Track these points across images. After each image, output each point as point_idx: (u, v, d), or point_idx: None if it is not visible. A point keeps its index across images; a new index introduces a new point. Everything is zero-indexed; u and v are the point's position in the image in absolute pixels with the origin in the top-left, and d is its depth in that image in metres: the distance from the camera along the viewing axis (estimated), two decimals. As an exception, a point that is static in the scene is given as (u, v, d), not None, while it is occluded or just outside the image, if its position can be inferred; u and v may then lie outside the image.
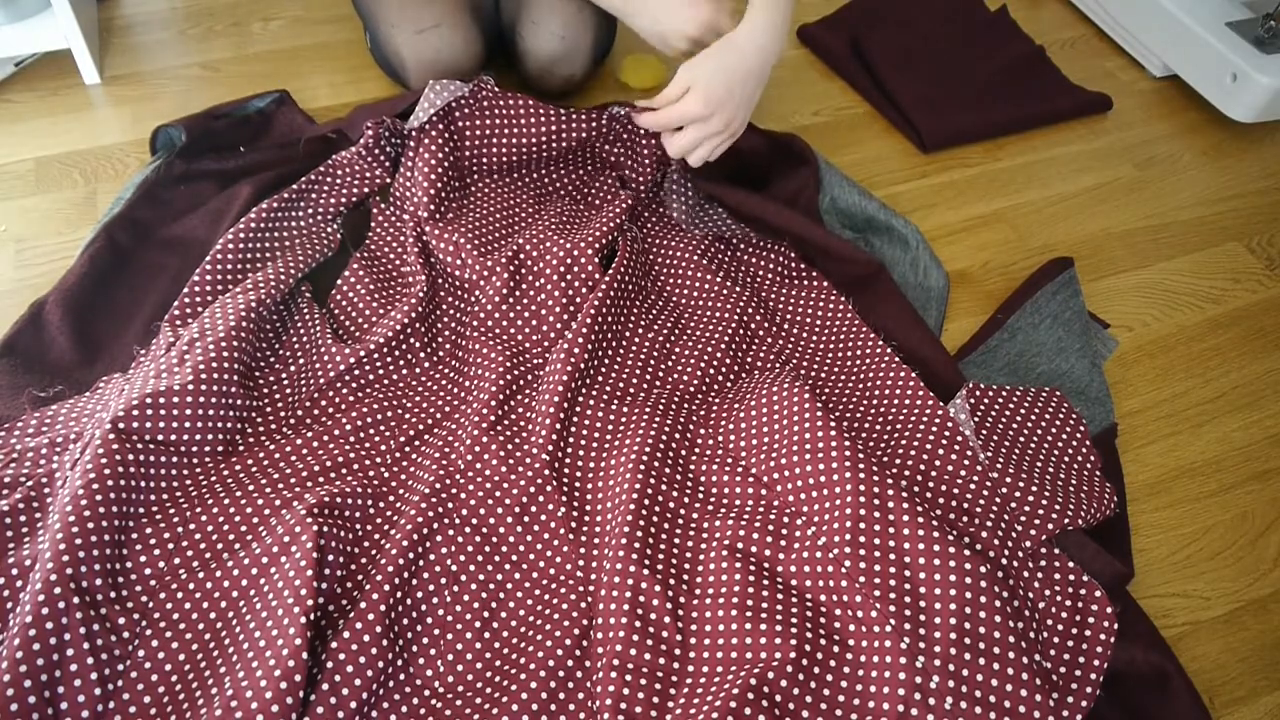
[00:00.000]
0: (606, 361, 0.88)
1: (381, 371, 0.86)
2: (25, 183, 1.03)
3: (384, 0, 1.05)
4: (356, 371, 0.84)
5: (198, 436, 0.76)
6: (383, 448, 0.80)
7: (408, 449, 0.81)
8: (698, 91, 0.90)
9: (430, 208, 0.95)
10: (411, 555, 0.71)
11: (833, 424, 0.77)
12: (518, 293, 0.92)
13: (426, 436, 0.82)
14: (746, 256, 0.99)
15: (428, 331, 0.89)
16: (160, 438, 0.75)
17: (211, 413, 0.77)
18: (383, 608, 0.67)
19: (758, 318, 0.93)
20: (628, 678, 0.65)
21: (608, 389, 0.86)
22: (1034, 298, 0.99)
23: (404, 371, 0.86)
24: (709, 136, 0.92)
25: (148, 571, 0.69)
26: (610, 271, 0.90)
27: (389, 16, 1.05)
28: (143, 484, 0.73)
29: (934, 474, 0.77)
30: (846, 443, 0.76)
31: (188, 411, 0.75)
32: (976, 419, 0.82)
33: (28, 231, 0.98)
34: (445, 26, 1.04)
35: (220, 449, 0.77)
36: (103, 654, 0.64)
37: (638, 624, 0.68)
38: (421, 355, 0.87)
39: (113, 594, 0.67)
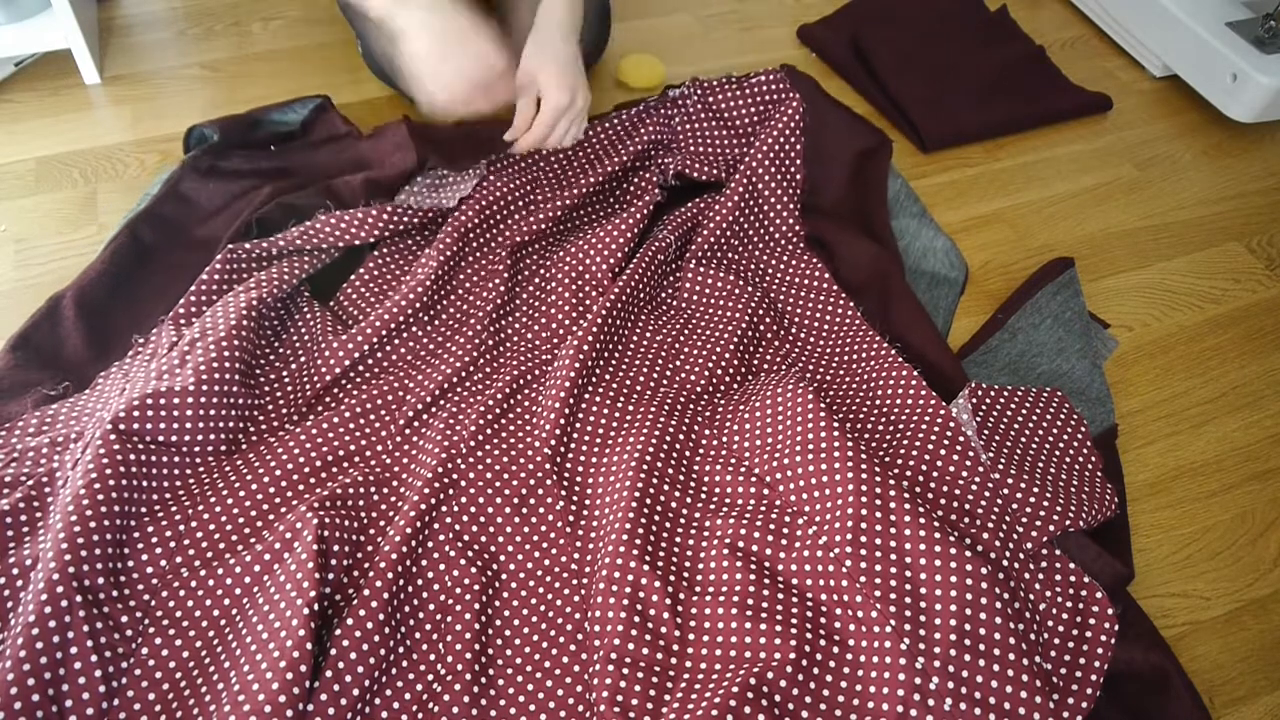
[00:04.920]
0: (614, 361, 0.88)
1: (386, 364, 0.86)
2: (25, 183, 1.03)
3: None
4: (360, 367, 0.85)
5: (199, 436, 0.76)
6: (383, 433, 0.81)
7: (408, 431, 0.81)
8: (553, 86, 0.92)
9: (478, 219, 0.96)
10: (414, 543, 0.72)
11: (835, 424, 0.77)
12: (529, 291, 0.92)
13: (425, 417, 0.82)
14: (758, 253, 0.99)
15: (431, 321, 0.89)
16: (162, 438, 0.75)
17: (213, 413, 0.77)
18: (385, 595, 0.67)
19: (767, 319, 0.93)
20: (624, 671, 0.66)
21: (614, 387, 0.86)
22: (1034, 298, 0.99)
23: (407, 356, 0.87)
24: (575, 117, 0.95)
25: (150, 570, 0.70)
26: (624, 276, 0.91)
27: None
28: (144, 483, 0.73)
29: (935, 475, 0.77)
30: (849, 443, 0.76)
31: (189, 412, 0.75)
32: (978, 420, 0.82)
33: (28, 231, 0.98)
34: None
35: (223, 448, 0.78)
36: (106, 652, 0.64)
37: (636, 618, 0.68)
38: (424, 339, 0.88)
39: (115, 592, 0.67)
